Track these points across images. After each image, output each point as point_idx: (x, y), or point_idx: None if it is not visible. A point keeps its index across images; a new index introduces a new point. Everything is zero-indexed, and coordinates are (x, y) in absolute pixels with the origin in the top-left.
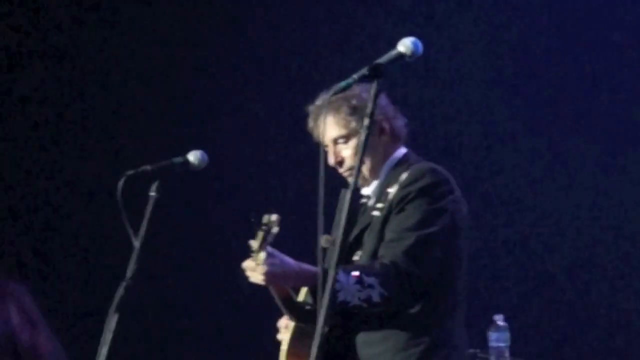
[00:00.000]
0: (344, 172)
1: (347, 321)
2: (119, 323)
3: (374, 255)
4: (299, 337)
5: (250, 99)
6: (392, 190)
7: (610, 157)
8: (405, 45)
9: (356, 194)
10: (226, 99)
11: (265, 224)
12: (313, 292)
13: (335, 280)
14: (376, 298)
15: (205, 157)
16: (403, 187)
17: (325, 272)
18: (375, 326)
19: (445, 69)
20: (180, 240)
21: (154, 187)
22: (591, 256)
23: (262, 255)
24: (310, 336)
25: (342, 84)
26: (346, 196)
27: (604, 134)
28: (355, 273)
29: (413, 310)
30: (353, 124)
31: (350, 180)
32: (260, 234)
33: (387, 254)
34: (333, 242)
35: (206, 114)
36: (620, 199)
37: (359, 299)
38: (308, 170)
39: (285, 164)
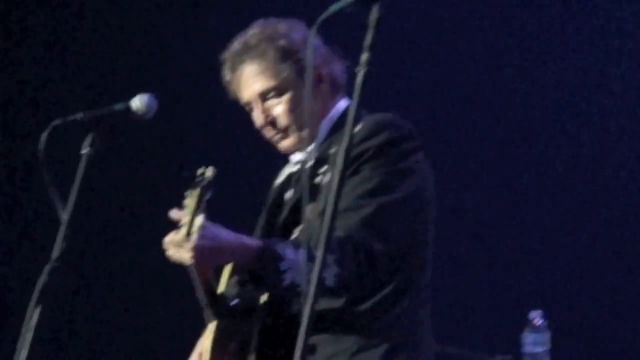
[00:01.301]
0: (276, 135)
1: (287, 315)
2: (41, 318)
3: None
4: (221, 344)
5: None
6: (336, 151)
7: None
8: None
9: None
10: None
11: (200, 181)
12: (255, 277)
13: (279, 257)
14: (330, 280)
15: (154, 102)
16: (357, 143)
17: (269, 248)
18: (324, 323)
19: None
20: (120, 211)
21: (87, 141)
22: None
23: (199, 221)
24: (237, 340)
25: (334, 7)
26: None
27: None
28: (305, 248)
29: (371, 301)
30: (285, 73)
31: (284, 144)
32: (195, 194)
33: (341, 225)
34: (321, 214)
35: (154, 49)
36: None
37: (310, 281)
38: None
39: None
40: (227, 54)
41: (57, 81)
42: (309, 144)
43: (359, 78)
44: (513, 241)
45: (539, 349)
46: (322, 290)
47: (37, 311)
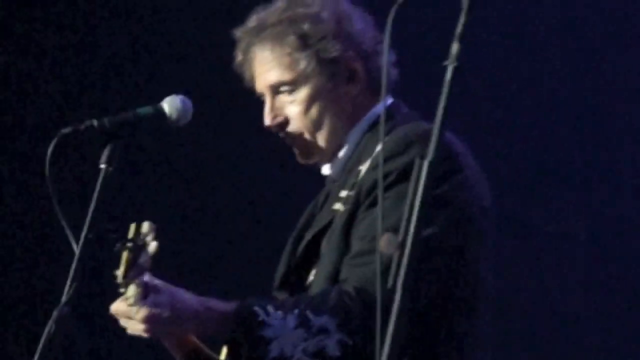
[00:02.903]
0: (288, 140)
1: None
2: None
3: (336, 276)
4: None
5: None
6: (364, 168)
7: None
8: None
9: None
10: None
11: (132, 240)
12: (232, 346)
13: (261, 324)
14: (333, 350)
15: (189, 105)
16: (377, 164)
17: (246, 312)
18: None
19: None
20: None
21: (105, 154)
22: None
23: (132, 290)
24: None
25: None
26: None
27: None
28: (296, 311)
29: None
30: (302, 64)
31: (297, 154)
32: (126, 256)
33: (353, 276)
34: (401, 246)
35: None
36: None
37: (306, 352)
38: None
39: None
40: (241, 31)
41: (62, 85)
42: (334, 154)
43: (448, 75)
44: None
45: None
46: None
47: None
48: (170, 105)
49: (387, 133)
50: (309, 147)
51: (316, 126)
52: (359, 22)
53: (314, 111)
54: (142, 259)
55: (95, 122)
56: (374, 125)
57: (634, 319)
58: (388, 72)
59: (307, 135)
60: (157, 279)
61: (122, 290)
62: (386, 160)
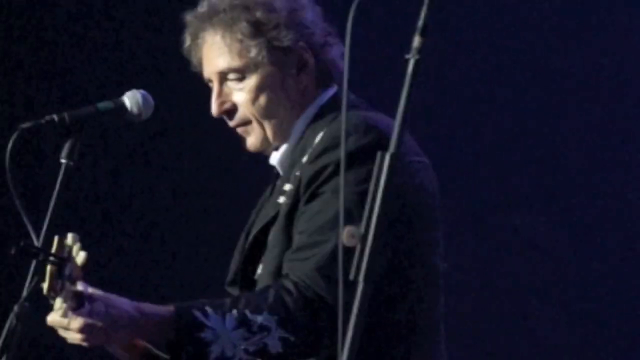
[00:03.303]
0: (236, 125)
1: None
2: None
3: (279, 270)
4: None
5: None
6: (305, 160)
7: None
8: None
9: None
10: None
11: (55, 253)
12: (172, 350)
13: (201, 326)
14: (275, 347)
15: (150, 100)
16: (315, 157)
17: (187, 315)
18: None
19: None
20: (107, 236)
21: (65, 149)
22: None
23: (59, 302)
24: None
25: None
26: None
27: None
28: (234, 311)
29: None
30: (253, 52)
31: (247, 141)
32: (49, 269)
33: (293, 271)
34: (364, 238)
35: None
36: None
37: (247, 352)
38: None
39: None
40: (191, 16)
41: (22, 78)
42: (280, 143)
43: (410, 68)
44: None
45: None
46: (267, 359)
47: None
48: (131, 99)
49: (329, 123)
50: (256, 135)
51: (263, 115)
52: (311, 13)
53: (262, 100)
54: (68, 271)
55: (55, 117)
56: (317, 116)
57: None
58: (348, 60)
59: (254, 124)
60: (91, 287)
61: (51, 302)
62: (323, 153)
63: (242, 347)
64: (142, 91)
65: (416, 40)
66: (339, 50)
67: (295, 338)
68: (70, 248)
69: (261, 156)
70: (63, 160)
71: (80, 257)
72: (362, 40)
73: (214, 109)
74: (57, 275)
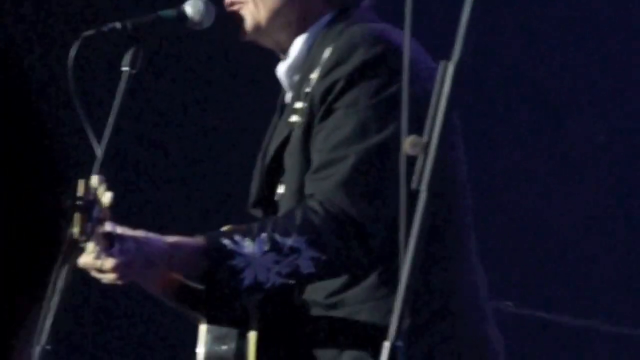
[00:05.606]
0: (235, 7)
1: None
2: None
3: (301, 190)
4: (214, 350)
5: None
6: (315, 77)
7: None
8: None
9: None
10: None
11: (81, 197)
12: (207, 281)
13: (231, 253)
14: (307, 267)
15: (212, 8)
16: (325, 72)
17: (215, 245)
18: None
19: None
20: (170, 152)
21: (127, 57)
22: None
23: (92, 244)
24: (230, 343)
25: None
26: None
27: None
28: (263, 235)
29: (374, 278)
30: None
31: (245, 26)
32: (78, 216)
33: (316, 190)
34: (425, 148)
35: None
36: None
37: (280, 274)
38: None
39: None
40: None
41: None
42: (273, 34)
43: None
44: None
45: None
46: (300, 279)
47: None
48: (192, 7)
49: (337, 37)
50: (249, 16)
51: (264, 2)
52: None
53: None
54: (96, 213)
55: (118, 25)
56: (328, 26)
57: None
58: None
59: (250, 4)
60: (120, 226)
61: (83, 246)
62: (333, 68)
63: (275, 270)
64: None
65: None
66: None
67: (326, 257)
68: (96, 190)
69: None
70: (124, 69)
71: (106, 197)
72: None
73: None
74: (86, 218)
